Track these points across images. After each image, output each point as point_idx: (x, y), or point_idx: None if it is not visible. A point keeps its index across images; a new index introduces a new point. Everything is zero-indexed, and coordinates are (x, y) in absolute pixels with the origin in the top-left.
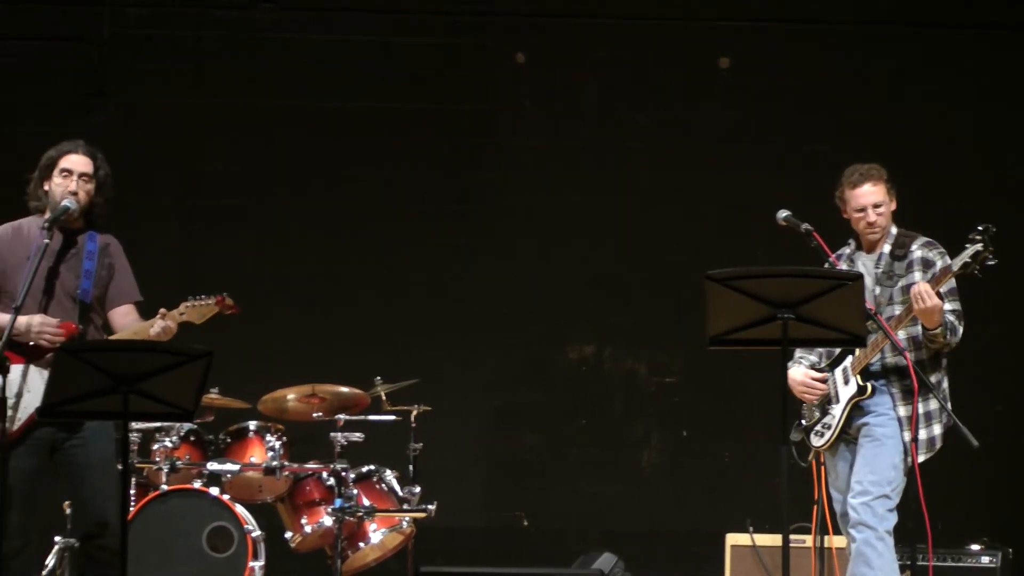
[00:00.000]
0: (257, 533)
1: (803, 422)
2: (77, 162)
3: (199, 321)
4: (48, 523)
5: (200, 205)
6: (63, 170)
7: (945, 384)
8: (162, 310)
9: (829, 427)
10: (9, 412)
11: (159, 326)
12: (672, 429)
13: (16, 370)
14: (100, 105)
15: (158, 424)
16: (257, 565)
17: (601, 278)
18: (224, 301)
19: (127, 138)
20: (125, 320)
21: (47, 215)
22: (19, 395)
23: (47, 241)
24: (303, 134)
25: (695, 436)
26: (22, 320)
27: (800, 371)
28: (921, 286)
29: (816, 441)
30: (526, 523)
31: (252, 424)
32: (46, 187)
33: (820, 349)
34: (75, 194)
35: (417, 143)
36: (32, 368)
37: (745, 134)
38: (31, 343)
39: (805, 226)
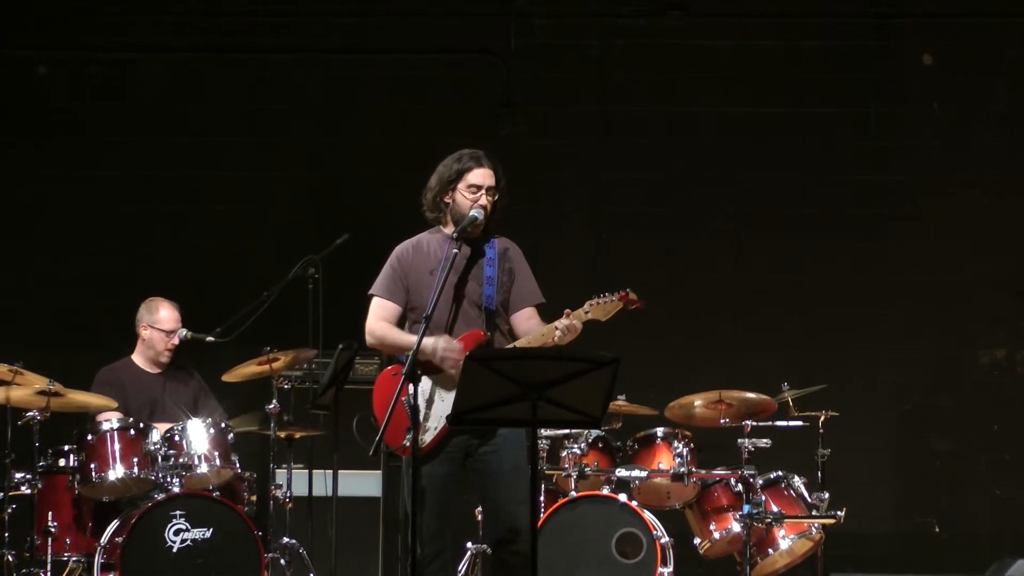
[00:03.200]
0: (666, 539)
1: None
2: (485, 177)
3: (604, 318)
4: (460, 529)
5: (608, 213)
6: (472, 186)
7: None
8: (567, 310)
9: None
10: (421, 422)
11: (563, 325)
12: None
13: (428, 380)
14: (508, 116)
15: (566, 431)
16: (666, 571)
17: (1013, 280)
18: (628, 296)
19: (535, 148)
20: (528, 324)
21: (449, 226)
22: (430, 404)
23: (456, 251)
24: (709, 140)
25: None
26: (428, 341)
27: None
28: None
29: None
30: (937, 529)
31: (659, 430)
32: (447, 199)
33: None
34: (484, 207)
35: (821, 146)
36: (443, 378)
37: None
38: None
39: None
